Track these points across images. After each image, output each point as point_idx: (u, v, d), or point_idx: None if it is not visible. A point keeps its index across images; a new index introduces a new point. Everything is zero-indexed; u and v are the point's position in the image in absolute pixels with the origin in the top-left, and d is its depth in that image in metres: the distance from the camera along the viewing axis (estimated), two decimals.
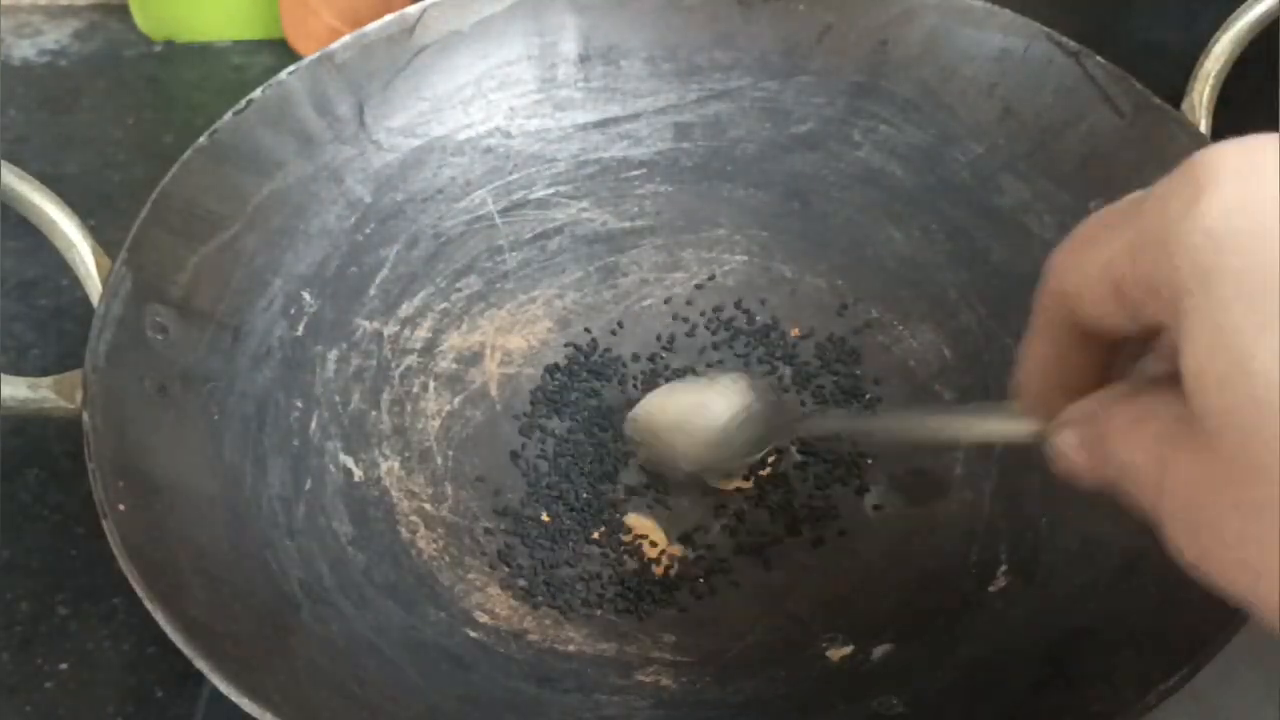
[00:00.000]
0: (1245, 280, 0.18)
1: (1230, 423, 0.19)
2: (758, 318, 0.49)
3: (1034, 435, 0.27)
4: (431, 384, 0.46)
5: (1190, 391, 0.20)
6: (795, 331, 0.48)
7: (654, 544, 0.43)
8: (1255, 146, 0.20)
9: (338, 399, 0.44)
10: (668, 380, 0.47)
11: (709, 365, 0.47)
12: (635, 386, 0.47)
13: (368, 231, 0.47)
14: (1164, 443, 0.21)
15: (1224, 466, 0.19)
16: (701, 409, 0.41)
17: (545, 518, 0.43)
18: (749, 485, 0.44)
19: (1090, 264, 0.22)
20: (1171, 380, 0.23)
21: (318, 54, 0.45)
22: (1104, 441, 0.23)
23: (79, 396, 0.36)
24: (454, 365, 0.47)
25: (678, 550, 0.43)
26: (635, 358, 0.48)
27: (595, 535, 0.43)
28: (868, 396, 0.46)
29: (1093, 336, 0.24)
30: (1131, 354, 0.25)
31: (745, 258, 0.50)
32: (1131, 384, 0.24)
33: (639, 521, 0.43)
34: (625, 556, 0.42)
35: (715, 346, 0.48)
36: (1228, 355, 0.19)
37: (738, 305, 0.49)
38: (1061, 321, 0.24)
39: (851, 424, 0.44)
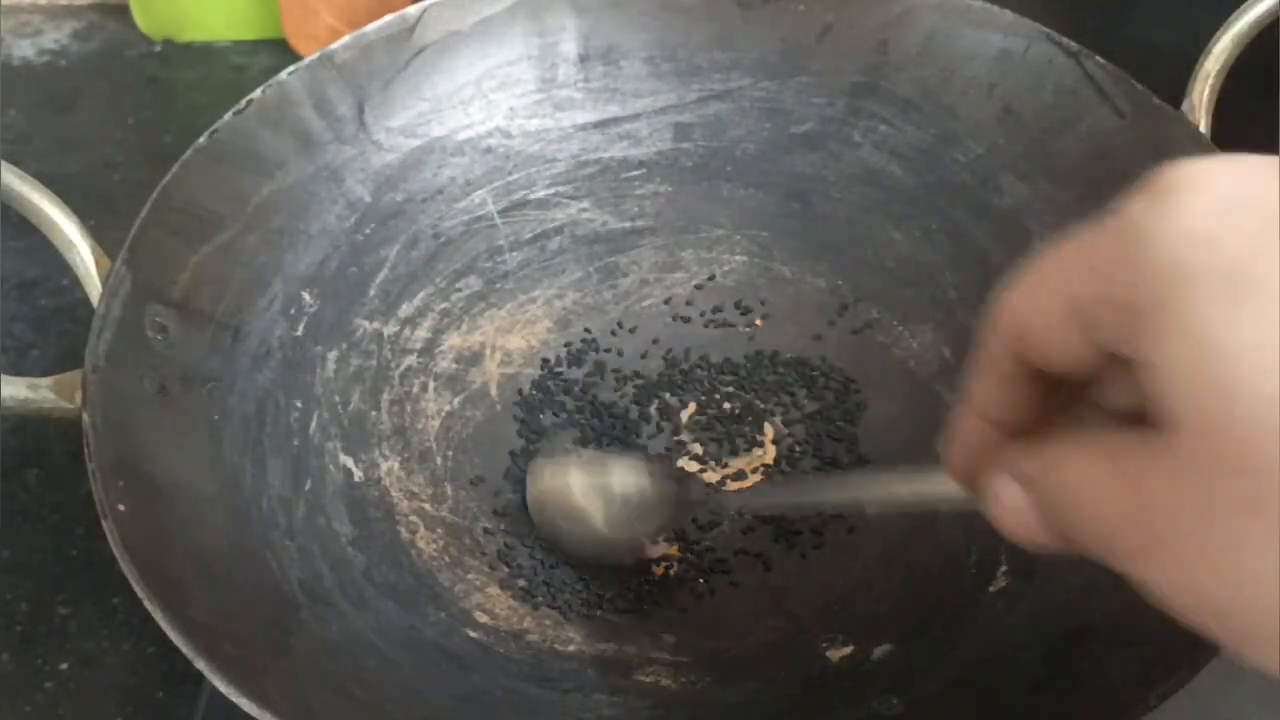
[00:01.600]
0: (1216, 275, 0.18)
1: (1207, 422, 0.18)
2: (757, 318, 0.49)
3: (970, 495, 0.25)
4: (431, 384, 0.46)
5: (1160, 396, 0.19)
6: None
7: (654, 544, 0.43)
8: (1218, 161, 0.20)
9: (338, 399, 0.44)
10: (669, 378, 0.47)
11: (705, 365, 0.47)
12: (634, 387, 0.47)
13: (368, 231, 0.47)
14: (1130, 470, 0.20)
15: (1203, 475, 0.18)
16: (600, 492, 0.40)
17: None
18: (750, 487, 0.44)
19: (1046, 292, 0.22)
20: (1119, 418, 0.22)
21: (318, 54, 0.45)
22: (1056, 485, 0.22)
23: (79, 396, 0.36)
24: (454, 365, 0.47)
25: (677, 550, 0.43)
26: (635, 358, 0.48)
27: None
28: (859, 394, 0.46)
29: (1040, 381, 0.23)
30: (1064, 405, 0.24)
31: (745, 258, 0.50)
32: (1076, 426, 0.23)
33: None
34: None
35: (714, 342, 0.48)
36: (1201, 351, 0.18)
37: (738, 305, 0.49)
38: (1008, 365, 0.23)
39: (765, 500, 0.42)
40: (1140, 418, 0.20)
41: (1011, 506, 0.23)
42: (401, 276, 0.47)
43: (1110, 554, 0.21)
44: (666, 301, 0.49)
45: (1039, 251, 0.22)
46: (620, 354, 0.48)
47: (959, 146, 0.48)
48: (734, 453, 0.45)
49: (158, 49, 0.70)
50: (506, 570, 0.42)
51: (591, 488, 0.41)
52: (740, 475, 0.45)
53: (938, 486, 0.26)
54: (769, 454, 0.45)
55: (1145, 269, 0.19)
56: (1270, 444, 0.17)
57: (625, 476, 0.40)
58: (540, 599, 0.41)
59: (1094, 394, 0.23)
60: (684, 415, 0.46)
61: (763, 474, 0.44)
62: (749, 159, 0.50)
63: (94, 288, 0.39)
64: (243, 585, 0.36)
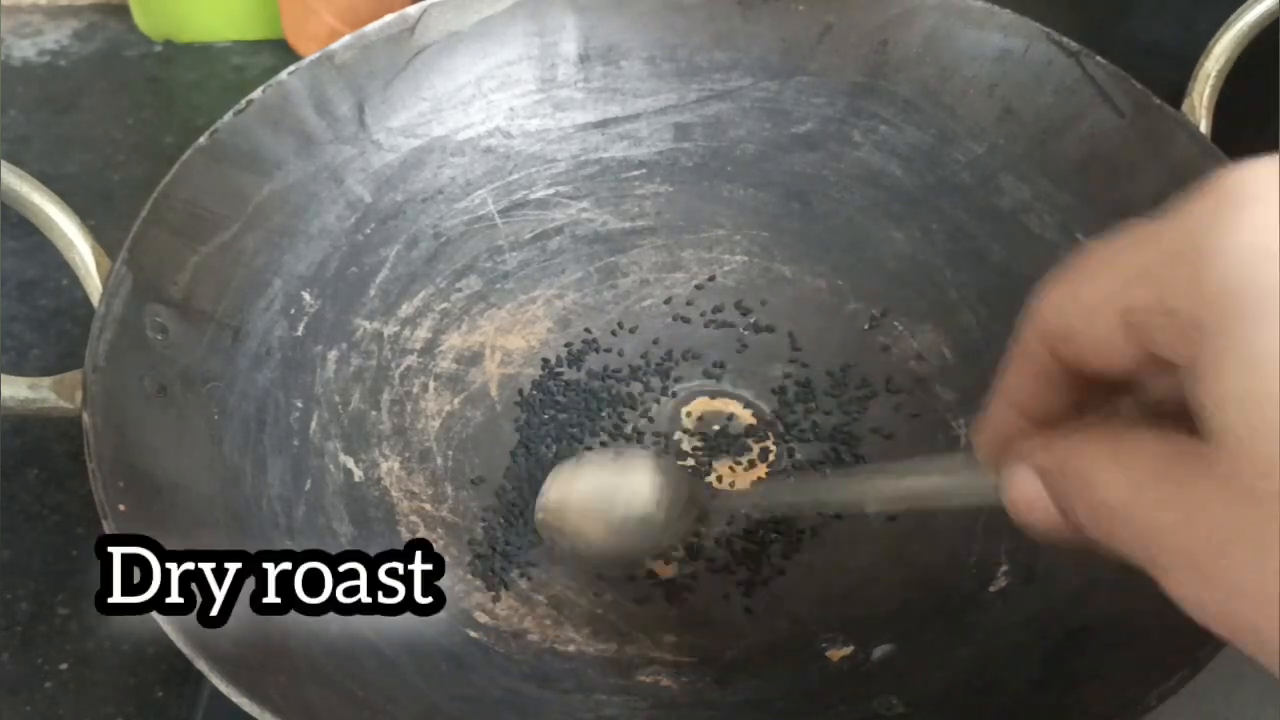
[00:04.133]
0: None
1: (1258, 449, 0.18)
2: (758, 318, 0.49)
3: (992, 489, 0.25)
4: (431, 384, 0.46)
5: (1208, 416, 0.18)
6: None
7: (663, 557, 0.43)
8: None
9: (338, 399, 0.44)
10: (668, 380, 0.47)
11: (706, 365, 0.47)
12: (635, 385, 0.47)
13: (368, 231, 0.47)
14: (1158, 478, 0.20)
15: (1242, 499, 0.18)
16: (619, 490, 0.37)
17: None
18: (749, 488, 0.44)
19: (1092, 294, 0.21)
20: (1155, 419, 0.21)
21: (318, 54, 0.45)
22: (1075, 481, 0.22)
23: (79, 396, 0.36)
24: (454, 365, 0.47)
25: (678, 551, 0.43)
26: (635, 358, 0.48)
27: None
28: (859, 393, 0.46)
29: (1077, 379, 0.23)
30: (1099, 400, 0.24)
31: (745, 258, 0.50)
32: (1104, 421, 0.23)
33: None
34: None
35: (715, 342, 0.48)
36: (1260, 373, 0.17)
37: (738, 305, 0.49)
38: (1044, 362, 0.23)
39: (779, 497, 0.40)
40: (1178, 415, 0.20)
41: (1025, 495, 0.23)
42: (401, 276, 0.47)
43: (1130, 555, 0.21)
44: (666, 301, 0.49)
45: (1086, 250, 0.22)
46: (620, 354, 0.48)
47: (959, 146, 0.48)
48: (734, 453, 0.45)
49: (158, 49, 0.70)
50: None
51: (597, 499, 0.38)
52: (740, 474, 0.45)
53: (947, 482, 0.26)
54: (770, 454, 0.45)
55: (1205, 284, 0.18)
56: None
57: (633, 487, 0.37)
58: (540, 599, 0.41)
59: (1133, 391, 0.23)
60: (684, 415, 0.46)
61: (765, 474, 0.44)
62: (749, 159, 0.50)
63: (94, 288, 0.39)
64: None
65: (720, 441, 0.45)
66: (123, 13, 0.71)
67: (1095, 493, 0.21)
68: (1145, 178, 0.43)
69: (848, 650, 0.39)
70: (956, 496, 0.27)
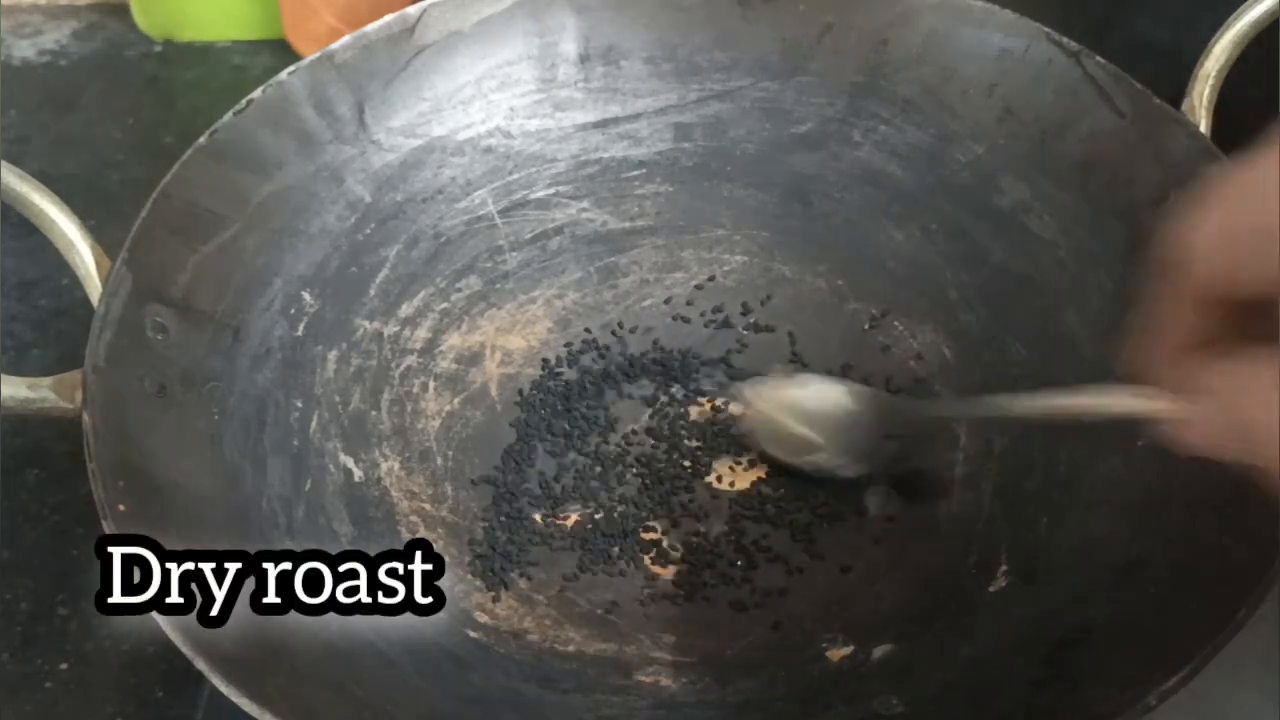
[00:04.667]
0: None
1: None
2: (758, 318, 0.49)
3: (1157, 409, 0.26)
4: (431, 384, 0.46)
5: None
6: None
7: (654, 544, 0.43)
8: None
9: (338, 399, 0.44)
10: (668, 380, 0.47)
11: (706, 365, 0.47)
12: (635, 386, 0.47)
13: (368, 231, 0.47)
14: None
15: None
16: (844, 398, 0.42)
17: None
18: (749, 487, 0.44)
19: (1215, 221, 0.22)
20: None
21: (318, 54, 0.45)
22: (1231, 407, 0.23)
23: (79, 396, 0.36)
24: (454, 365, 0.47)
25: (678, 551, 0.43)
26: (635, 358, 0.48)
27: None
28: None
29: (1217, 306, 0.24)
30: (1237, 326, 0.25)
31: (745, 258, 0.50)
32: (1251, 349, 0.24)
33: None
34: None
35: (715, 343, 0.48)
36: None
37: (738, 305, 0.49)
38: (1184, 292, 0.24)
39: (966, 410, 0.45)
40: None
41: (1189, 419, 0.24)
42: (401, 276, 0.47)
43: (1272, 475, 0.21)
44: (666, 301, 0.49)
45: (1214, 180, 0.22)
46: (620, 354, 0.48)
47: (959, 146, 0.48)
48: (734, 453, 0.45)
49: (158, 49, 0.70)
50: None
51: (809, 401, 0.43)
52: (740, 474, 0.45)
53: (1126, 401, 0.29)
54: None
55: None
56: None
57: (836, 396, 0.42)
58: (540, 598, 0.41)
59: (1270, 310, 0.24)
60: (684, 415, 0.46)
61: (764, 474, 0.44)
62: (749, 159, 0.50)
63: (94, 288, 0.39)
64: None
65: (720, 441, 0.45)
66: (123, 13, 0.71)
67: (1249, 418, 0.22)
68: (1145, 178, 0.43)
69: (848, 650, 0.39)
70: (1111, 411, 0.31)
